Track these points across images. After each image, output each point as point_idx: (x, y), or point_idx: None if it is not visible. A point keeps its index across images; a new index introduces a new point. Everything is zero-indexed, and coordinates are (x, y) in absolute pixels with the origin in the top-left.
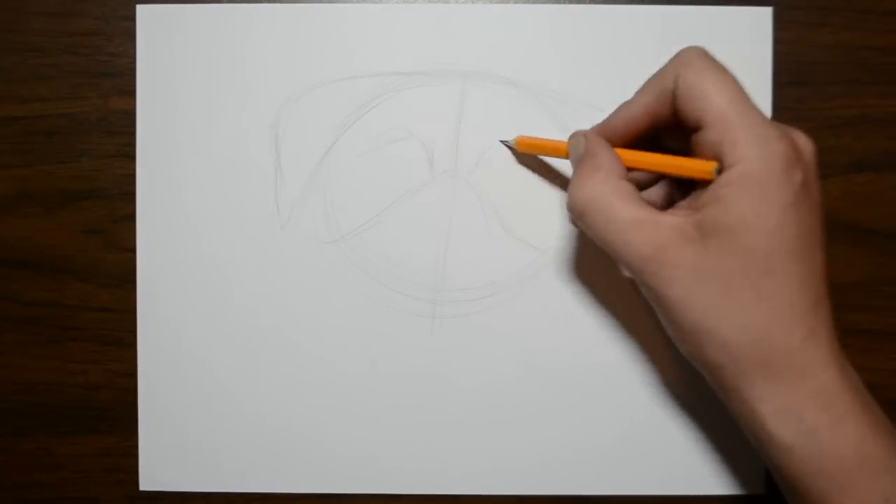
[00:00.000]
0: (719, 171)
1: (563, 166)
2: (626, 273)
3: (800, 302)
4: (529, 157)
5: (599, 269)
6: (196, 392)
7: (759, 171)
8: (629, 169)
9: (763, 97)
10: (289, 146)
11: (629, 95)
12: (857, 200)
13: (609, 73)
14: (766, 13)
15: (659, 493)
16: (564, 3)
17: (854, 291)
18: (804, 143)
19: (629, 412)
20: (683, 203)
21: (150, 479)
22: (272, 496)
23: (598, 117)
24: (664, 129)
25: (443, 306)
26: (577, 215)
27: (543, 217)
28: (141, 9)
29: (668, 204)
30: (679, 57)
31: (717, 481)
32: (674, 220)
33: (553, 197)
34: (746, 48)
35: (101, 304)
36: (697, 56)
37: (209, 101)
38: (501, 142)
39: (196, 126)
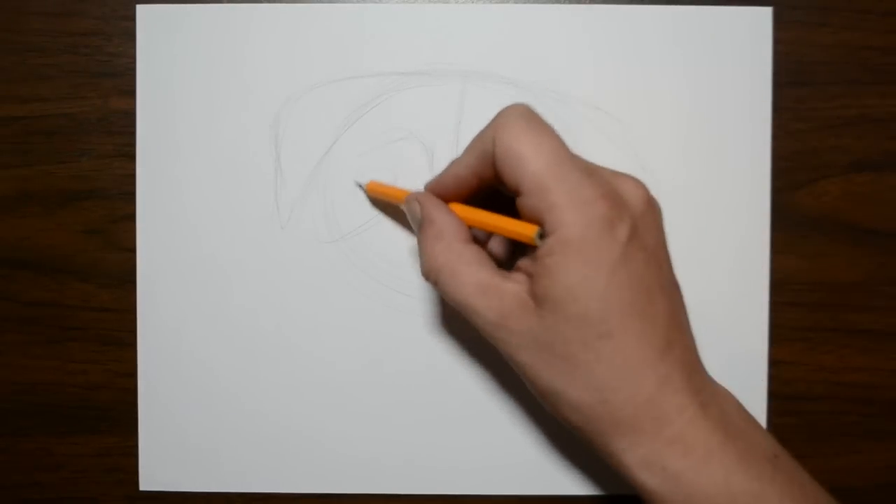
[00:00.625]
0: (541, 236)
1: None
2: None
3: (644, 355)
4: (381, 201)
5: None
6: (196, 392)
7: (580, 237)
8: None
9: (763, 97)
10: (289, 146)
11: (629, 95)
12: (857, 200)
13: (609, 73)
14: (766, 13)
15: None
16: (565, 2)
17: (854, 291)
18: (631, 190)
19: None
20: (524, 263)
21: (150, 479)
22: (272, 496)
23: (599, 117)
24: (493, 188)
25: (443, 306)
26: (431, 283)
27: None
28: (141, 9)
29: (511, 255)
30: (498, 117)
31: None
32: (514, 287)
33: None
34: (746, 48)
35: (101, 304)
36: (516, 116)
37: (209, 101)
38: (356, 183)
39: (196, 126)
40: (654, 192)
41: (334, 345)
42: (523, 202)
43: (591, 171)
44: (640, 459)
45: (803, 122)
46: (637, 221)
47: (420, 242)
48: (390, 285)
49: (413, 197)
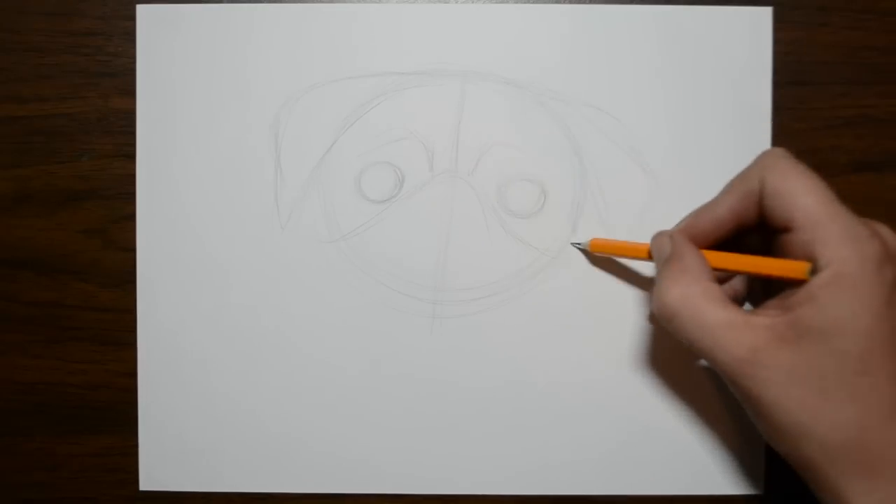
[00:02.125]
0: (813, 272)
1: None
2: (720, 374)
3: (895, 398)
4: (604, 258)
5: (599, 268)
6: (196, 392)
7: (854, 273)
8: (716, 269)
9: (763, 97)
10: (289, 146)
11: (629, 95)
12: (857, 200)
13: (609, 72)
14: (766, 13)
15: (659, 492)
16: (564, 3)
17: None
18: (890, 237)
19: (629, 412)
20: (772, 303)
21: (150, 479)
22: (272, 496)
23: (598, 117)
24: (746, 230)
25: (443, 306)
26: (666, 319)
27: (544, 217)
28: (141, 9)
29: (741, 301)
30: (763, 159)
31: (717, 481)
32: (766, 320)
33: (554, 197)
34: (746, 48)
35: (101, 304)
36: (781, 157)
37: (209, 101)
38: (573, 244)
39: (196, 126)
40: (653, 192)
41: (334, 345)
42: (793, 238)
43: (855, 214)
44: (877, 503)
45: (803, 121)
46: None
47: (661, 277)
48: (390, 285)
49: (665, 234)
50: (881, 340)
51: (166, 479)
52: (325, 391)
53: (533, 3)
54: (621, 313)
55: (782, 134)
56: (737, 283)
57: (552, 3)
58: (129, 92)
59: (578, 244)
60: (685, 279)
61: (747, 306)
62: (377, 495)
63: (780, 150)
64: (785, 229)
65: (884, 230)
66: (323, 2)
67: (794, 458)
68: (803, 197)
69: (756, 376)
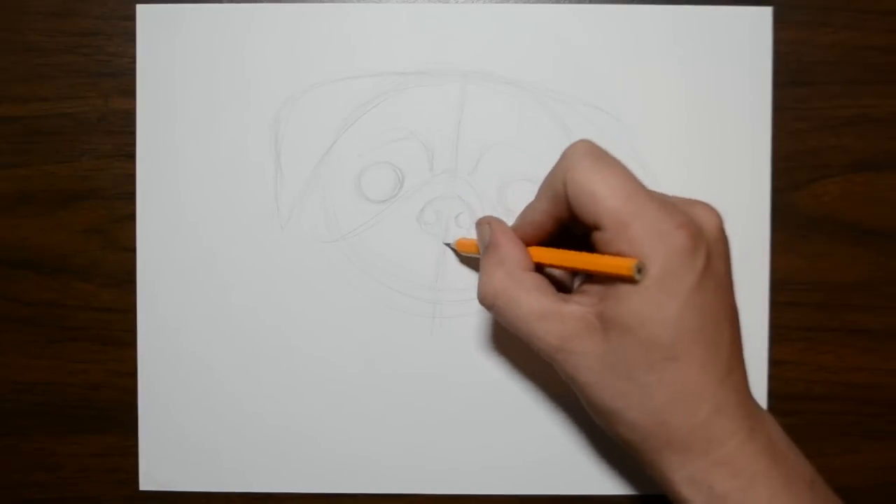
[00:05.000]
0: (639, 270)
1: None
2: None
3: (705, 381)
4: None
5: None
6: (196, 392)
7: (659, 268)
8: (545, 265)
9: (763, 97)
10: (289, 146)
11: (629, 95)
12: (857, 200)
13: (609, 72)
14: (766, 13)
15: (658, 492)
16: (564, 2)
17: (854, 291)
18: (706, 216)
19: None
20: (591, 287)
21: (150, 479)
22: (272, 496)
23: (598, 117)
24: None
25: (443, 306)
26: (487, 307)
27: None
28: (141, 8)
29: (570, 281)
30: (565, 158)
31: None
32: (578, 310)
33: None
34: (746, 48)
35: (101, 304)
36: (583, 154)
37: (209, 101)
38: (445, 244)
39: (196, 126)
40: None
41: (334, 344)
42: (601, 237)
43: (665, 202)
44: (688, 477)
45: (803, 121)
46: (711, 249)
47: (482, 267)
48: (390, 285)
49: (485, 220)
50: (689, 329)
51: (166, 479)
52: (325, 391)
53: (533, 3)
54: None
55: (782, 134)
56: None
57: (552, 3)
58: (129, 92)
59: (449, 244)
60: (501, 270)
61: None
62: (377, 495)
63: (582, 145)
64: (594, 228)
65: (699, 212)
66: (323, 2)
67: (611, 435)
68: (606, 197)
69: (568, 362)
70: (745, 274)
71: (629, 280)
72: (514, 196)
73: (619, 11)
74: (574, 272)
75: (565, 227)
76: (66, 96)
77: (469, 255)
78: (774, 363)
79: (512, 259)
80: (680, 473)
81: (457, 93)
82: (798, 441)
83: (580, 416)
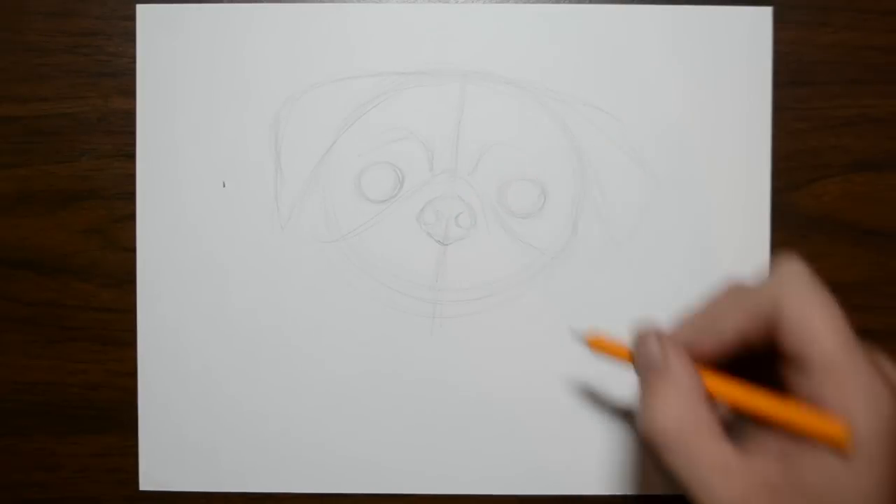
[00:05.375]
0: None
1: None
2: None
3: None
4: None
5: (597, 268)
6: (196, 392)
7: (871, 440)
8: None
9: (763, 97)
10: (289, 146)
11: (629, 95)
12: (857, 200)
13: (609, 72)
14: (766, 13)
15: (658, 492)
16: (564, 2)
17: (854, 291)
18: None
19: (628, 411)
20: (772, 443)
21: (150, 479)
22: (272, 496)
23: (598, 117)
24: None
25: (443, 306)
26: (654, 447)
27: (544, 217)
28: (141, 8)
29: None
30: (780, 278)
31: None
32: (763, 467)
33: (554, 197)
34: (746, 48)
35: (101, 304)
36: (802, 280)
37: (209, 101)
38: (572, 330)
39: (196, 126)
40: (653, 192)
41: (334, 345)
42: (802, 377)
43: (873, 357)
44: None
45: (803, 121)
46: None
47: (649, 392)
48: (390, 285)
49: (652, 334)
50: None
51: (166, 479)
52: (325, 391)
53: (533, 2)
54: (621, 312)
55: (782, 134)
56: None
57: (552, 2)
58: (129, 92)
59: (580, 333)
60: (679, 401)
61: None
62: (377, 495)
63: (799, 269)
64: (793, 363)
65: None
66: (323, 1)
67: None
68: (825, 337)
69: None
70: (745, 274)
71: (836, 448)
72: (514, 196)
73: (619, 11)
74: (755, 418)
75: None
76: (66, 96)
77: (606, 355)
78: None
79: (692, 390)
80: None
81: (457, 93)
82: None
83: (580, 416)
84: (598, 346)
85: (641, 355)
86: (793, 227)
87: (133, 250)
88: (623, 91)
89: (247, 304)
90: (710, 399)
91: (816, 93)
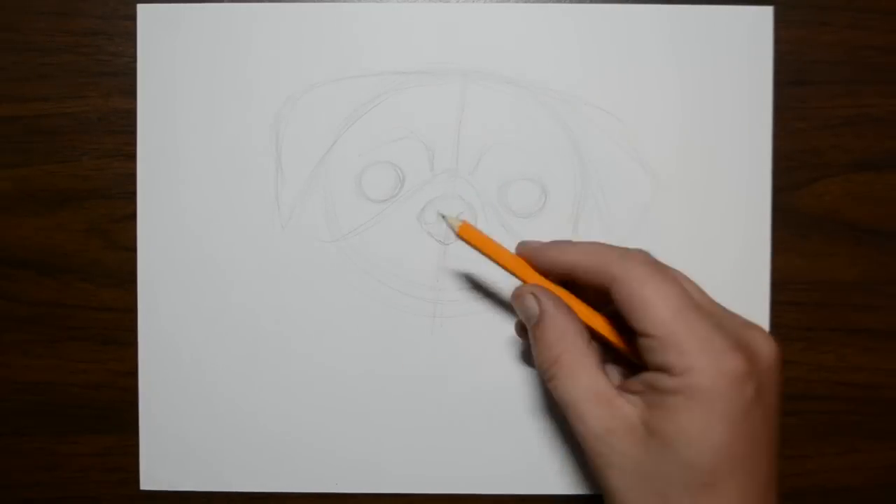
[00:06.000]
0: None
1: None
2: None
3: None
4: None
5: None
6: (196, 392)
7: (709, 388)
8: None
9: (764, 96)
10: (289, 145)
11: (629, 95)
12: (857, 200)
13: (610, 72)
14: (766, 12)
15: None
16: (565, 2)
17: (854, 291)
18: (763, 345)
19: None
20: (639, 387)
21: (151, 478)
22: (272, 496)
23: (598, 117)
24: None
25: (443, 306)
26: (546, 377)
27: (544, 216)
28: (142, 8)
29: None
30: (621, 260)
31: None
32: (627, 407)
33: (554, 197)
34: (747, 47)
35: (102, 304)
36: (640, 262)
37: (210, 101)
38: (439, 214)
39: (197, 125)
40: (654, 192)
41: (334, 344)
42: (650, 343)
43: (720, 320)
44: None
45: (804, 121)
46: (762, 378)
47: (538, 337)
48: (390, 285)
49: (527, 290)
50: (732, 456)
51: (167, 479)
52: (326, 391)
53: (534, 2)
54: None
55: (783, 133)
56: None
57: (553, 2)
58: (130, 91)
59: (445, 216)
60: (564, 340)
61: None
62: (377, 495)
63: (639, 255)
64: (642, 335)
65: (757, 339)
66: (324, 1)
67: None
68: (658, 308)
69: (606, 457)
70: (745, 274)
71: (662, 374)
72: (515, 195)
73: (619, 11)
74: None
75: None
76: (66, 96)
77: (472, 246)
78: None
79: (573, 330)
80: None
81: (457, 92)
82: (798, 441)
83: None
84: (468, 235)
85: (522, 310)
86: (793, 226)
87: (134, 250)
88: (623, 91)
89: (247, 303)
90: (590, 344)
91: (817, 92)
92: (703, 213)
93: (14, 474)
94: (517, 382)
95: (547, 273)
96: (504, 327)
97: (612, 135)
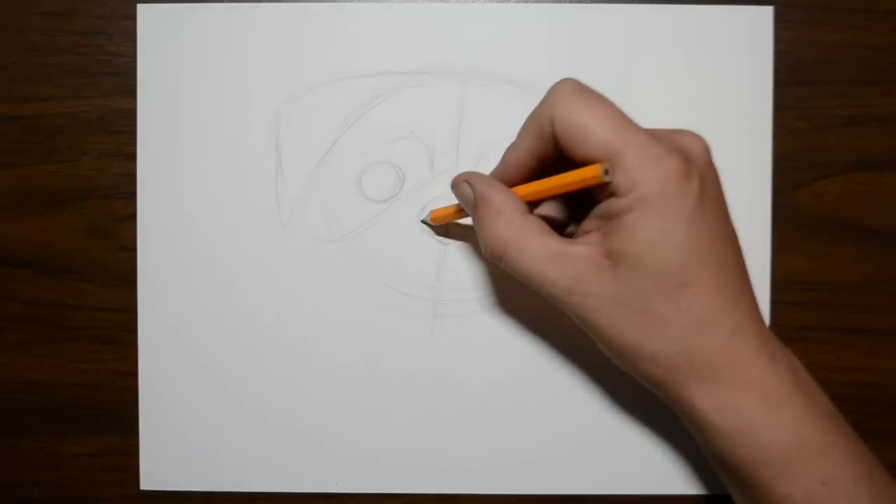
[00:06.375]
0: (606, 171)
1: None
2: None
3: (719, 303)
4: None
5: None
6: (196, 391)
7: (656, 193)
8: (530, 202)
9: (764, 96)
10: (289, 145)
11: (629, 95)
12: (858, 200)
13: (609, 72)
14: (766, 12)
15: (658, 492)
16: (565, 2)
17: (855, 291)
18: (693, 144)
19: (628, 410)
20: (593, 224)
21: (151, 478)
22: (273, 495)
23: None
24: (559, 163)
25: (443, 305)
26: (496, 260)
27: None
28: (142, 8)
29: (566, 225)
30: (551, 95)
31: (717, 480)
32: (585, 250)
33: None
34: (747, 47)
35: (102, 304)
36: (569, 91)
37: (210, 101)
38: (421, 221)
39: (197, 125)
40: None
41: (335, 344)
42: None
43: (654, 132)
44: (716, 404)
45: (804, 121)
46: (703, 172)
47: (478, 222)
48: (391, 284)
49: (461, 178)
50: (695, 251)
51: (167, 479)
52: (326, 390)
53: (533, 3)
54: None
55: (783, 133)
56: (555, 212)
57: (552, 2)
58: (130, 92)
59: (424, 221)
60: (501, 220)
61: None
62: (378, 495)
63: (568, 83)
64: (585, 162)
65: (686, 140)
66: (323, 1)
67: (634, 373)
68: (595, 129)
69: (582, 304)
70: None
71: (600, 184)
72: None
73: (620, 11)
74: (548, 199)
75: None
76: (66, 96)
77: (447, 222)
78: None
79: (508, 207)
80: (707, 401)
81: (457, 92)
82: None
83: (581, 415)
84: (437, 217)
85: (460, 199)
86: (794, 226)
87: (134, 250)
88: (624, 90)
89: (247, 303)
90: (530, 211)
91: (817, 92)
92: None
93: (14, 474)
94: (517, 382)
95: (523, 179)
96: (504, 327)
97: None
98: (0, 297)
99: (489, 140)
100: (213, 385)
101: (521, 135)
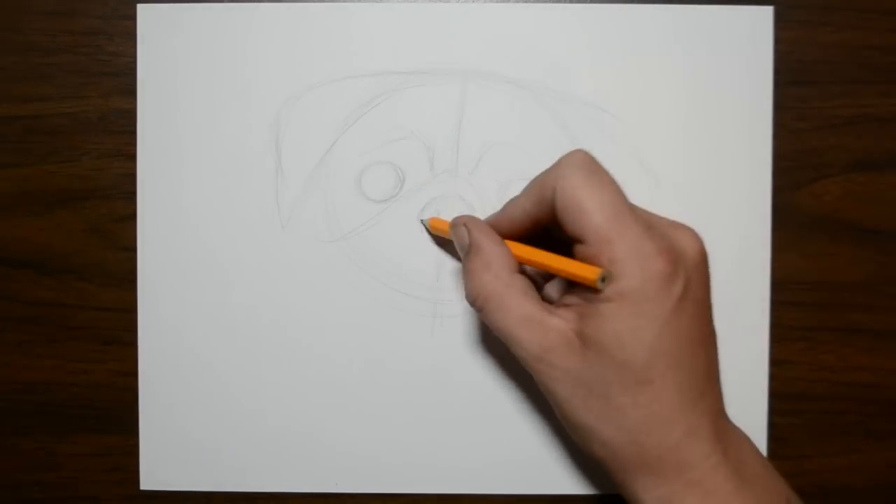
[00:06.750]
0: (603, 279)
1: None
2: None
3: (678, 404)
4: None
5: None
6: (196, 391)
7: (637, 291)
8: (519, 261)
9: (764, 97)
10: (289, 145)
11: (629, 95)
12: (858, 200)
13: (610, 72)
14: (766, 12)
15: None
16: (565, 2)
17: (855, 291)
18: (688, 242)
19: None
20: (573, 301)
21: (151, 478)
22: (273, 495)
23: (599, 117)
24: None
25: (443, 305)
26: (476, 309)
27: None
28: (142, 8)
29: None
30: (559, 165)
31: None
32: (560, 324)
33: None
34: (747, 47)
35: (102, 304)
36: (578, 165)
37: (210, 101)
38: (420, 220)
39: (197, 125)
40: (654, 192)
41: (335, 344)
42: (584, 250)
43: (650, 225)
44: (660, 498)
45: (804, 121)
46: (691, 275)
47: (467, 268)
48: (391, 284)
49: (460, 221)
50: (663, 352)
51: (167, 479)
52: (326, 391)
53: (533, 3)
54: None
55: (783, 133)
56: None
57: (552, 2)
58: (130, 92)
59: (422, 221)
60: (488, 274)
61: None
62: (378, 494)
63: (578, 157)
64: (577, 241)
65: (682, 237)
66: (323, 1)
67: (584, 451)
68: (594, 214)
69: (546, 373)
70: (745, 274)
71: (593, 288)
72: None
73: (619, 11)
74: (547, 274)
75: (546, 229)
76: (66, 96)
77: (441, 236)
78: (775, 363)
79: (498, 261)
80: (651, 493)
81: (457, 92)
82: (798, 441)
83: None
84: (436, 227)
85: (456, 240)
86: (793, 226)
87: (134, 250)
88: (624, 91)
89: (247, 303)
90: (519, 268)
91: (817, 92)
92: (703, 213)
93: (13, 474)
94: (517, 382)
95: (518, 235)
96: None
97: (611, 135)
98: (0, 297)
99: (489, 140)
100: (212, 385)
101: (523, 193)
